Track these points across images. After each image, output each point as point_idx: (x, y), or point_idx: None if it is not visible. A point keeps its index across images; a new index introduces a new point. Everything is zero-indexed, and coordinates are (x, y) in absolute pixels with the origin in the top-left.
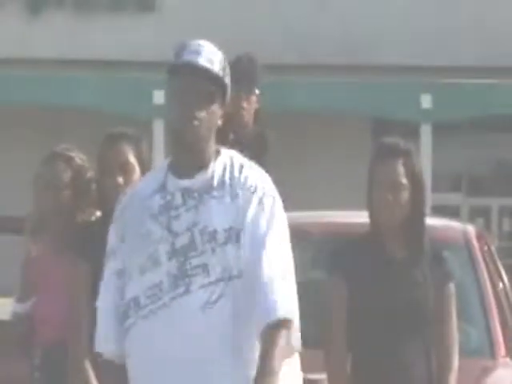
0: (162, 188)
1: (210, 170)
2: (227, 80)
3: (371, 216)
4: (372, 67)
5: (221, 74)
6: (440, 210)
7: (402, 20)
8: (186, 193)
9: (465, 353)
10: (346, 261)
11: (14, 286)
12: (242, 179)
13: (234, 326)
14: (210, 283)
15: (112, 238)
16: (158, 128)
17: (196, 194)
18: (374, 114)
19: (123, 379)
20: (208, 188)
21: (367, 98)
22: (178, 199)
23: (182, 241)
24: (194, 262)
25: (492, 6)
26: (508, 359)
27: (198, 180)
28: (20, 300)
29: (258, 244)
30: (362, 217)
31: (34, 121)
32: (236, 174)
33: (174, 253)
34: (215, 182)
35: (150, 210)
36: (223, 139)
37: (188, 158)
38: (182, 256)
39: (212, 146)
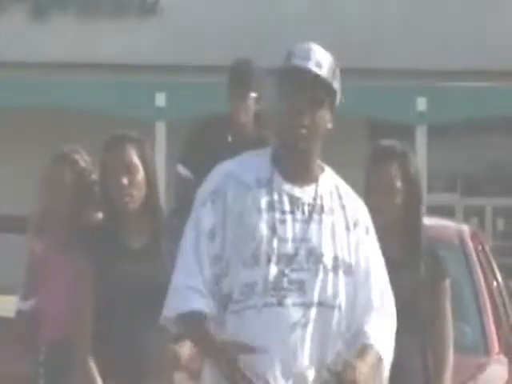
0: (268, 183)
1: (317, 187)
2: (336, 84)
3: None
4: (369, 71)
5: (330, 78)
6: (435, 210)
7: (399, 24)
8: (295, 201)
9: (460, 350)
10: None
11: (18, 283)
12: (352, 212)
13: (321, 351)
14: (303, 304)
15: (211, 218)
16: (160, 130)
17: (306, 209)
18: (371, 116)
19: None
20: (318, 208)
21: (364, 100)
22: (286, 204)
23: (286, 249)
24: (293, 275)
25: (487, 11)
26: (502, 356)
27: (306, 193)
28: (24, 297)
29: (370, 281)
30: None
31: (37, 123)
32: (345, 203)
33: (277, 259)
34: (325, 205)
35: (256, 203)
36: (222, 141)
37: (296, 164)
38: (283, 265)
39: (319, 153)
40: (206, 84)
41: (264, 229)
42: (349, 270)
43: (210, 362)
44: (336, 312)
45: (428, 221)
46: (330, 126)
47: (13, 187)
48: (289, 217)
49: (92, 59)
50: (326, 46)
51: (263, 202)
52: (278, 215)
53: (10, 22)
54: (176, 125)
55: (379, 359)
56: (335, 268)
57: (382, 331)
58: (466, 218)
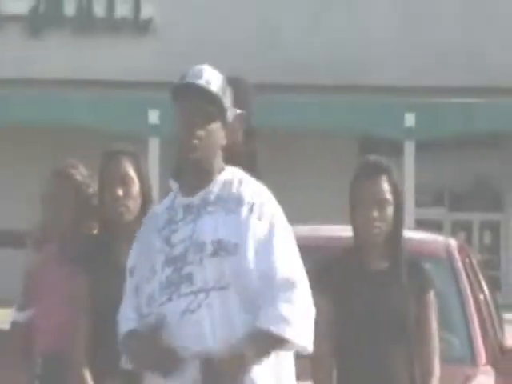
0: (170, 206)
1: (210, 187)
2: (226, 100)
3: (355, 232)
4: (359, 87)
5: (219, 93)
6: (423, 224)
7: (388, 42)
8: (187, 209)
9: (447, 361)
10: (330, 275)
11: (14, 295)
12: (238, 194)
13: (213, 337)
14: (191, 292)
15: (131, 256)
16: (154, 146)
17: (194, 210)
18: (361, 132)
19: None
20: (205, 203)
21: (354, 117)
22: (180, 214)
23: (176, 252)
24: (183, 271)
25: (477, 27)
26: (489, 367)
27: (199, 196)
28: (20, 309)
29: (264, 255)
30: (345, 231)
31: (33, 140)
32: (233, 189)
33: (167, 262)
34: (212, 198)
35: (156, 226)
36: None
37: (192, 177)
38: (173, 266)
39: (216, 164)
40: None
41: (158, 243)
42: (235, 250)
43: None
44: (227, 292)
45: (416, 235)
46: (223, 141)
47: (7, 204)
48: (181, 223)
49: (87, 76)
50: (317, 63)
51: (162, 221)
52: (173, 227)
53: (6, 40)
54: (169, 142)
55: (275, 342)
56: (217, 251)
57: (286, 309)
58: (454, 232)
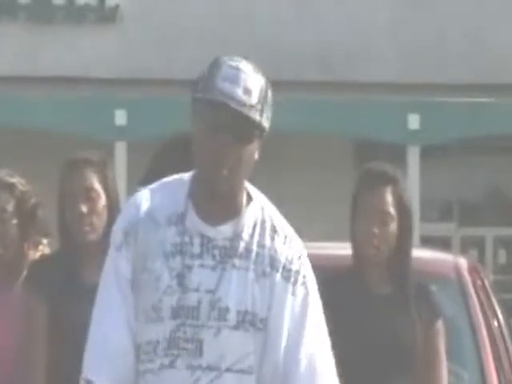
0: (180, 220)
1: (237, 224)
2: (267, 109)
3: (354, 249)
4: (353, 84)
5: (259, 107)
6: (429, 241)
7: (388, 33)
8: (206, 243)
9: None
10: (325, 297)
11: None
12: (273, 252)
13: None
14: (199, 367)
15: (124, 264)
16: (120, 151)
17: (217, 253)
18: (356, 135)
19: None
20: (232, 251)
21: (348, 117)
22: (196, 247)
23: (189, 301)
24: (193, 334)
25: (485, 21)
26: None
27: (223, 233)
28: None
29: (292, 342)
30: (343, 249)
31: None
32: (267, 241)
33: (177, 312)
34: (241, 247)
35: (162, 246)
36: (188, 166)
37: (214, 201)
38: (180, 320)
39: (244, 190)
40: (172, 100)
41: (167, 278)
42: (263, 326)
43: None
44: (245, 379)
45: (421, 253)
46: (257, 156)
47: None
48: (196, 262)
49: (44, 72)
50: (306, 57)
51: (171, 244)
52: (187, 261)
53: None
54: (138, 146)
55: None
56: (242, 324)
57: None
58: (464, 250)
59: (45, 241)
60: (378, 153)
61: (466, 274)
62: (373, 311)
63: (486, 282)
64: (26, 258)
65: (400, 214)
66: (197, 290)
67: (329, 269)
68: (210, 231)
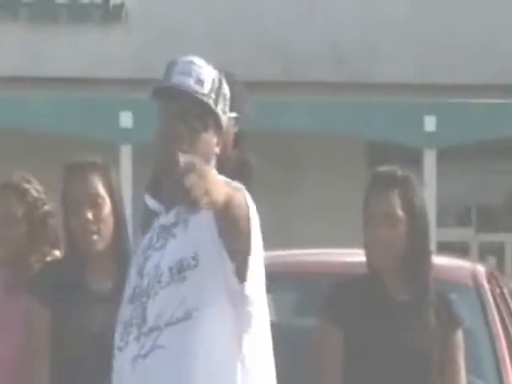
0: (153, 224)
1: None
2: (221, 102)
3: (367, 255)
4: (366, 84)
5: (212, 95)
6: (446, 247)
7: (403, 32)
8: (161, 231)
9: None
10: (340, 306)
11: None
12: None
13: (178, 378)
14: (142, 333)
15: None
16: (126, 154)
17: (165, 232)
18: (370, 137)
19: None
20: (174, 224)
21: (361, 119)
22: (155, 238)
23: (143, 285)
24: (139, 309)
25: (503, 21)
26: None
27: (171, 215)
28: None
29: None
30: (358, 255)
31: None
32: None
33: (132, 298)
34: (179, 217)
35: (138, 250)
36: None
37: (172, 192)
38: (137, 301)
39: None
40: None
41: (132, 273)
42: (195, 263)
43: None
44: (187, 325)
45: (437, 260)
46: (214, 151)
47: None
48: (151, 249)
49: (47, 73)
50: (318, 57)
51: (143, 243)
52: (146, 253)
53: None
54: (144, 149)
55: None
56: (177, 276)
57: None
58: (482, 257)
59: (57, 252)
60: (393, 156)
61: (484, 281)
62: (389, 319)
63: (505, 290)
64: (31, 267)
65: (411, 217)
66: (147, 273)
67: (343, 276)
68: (164, 219)
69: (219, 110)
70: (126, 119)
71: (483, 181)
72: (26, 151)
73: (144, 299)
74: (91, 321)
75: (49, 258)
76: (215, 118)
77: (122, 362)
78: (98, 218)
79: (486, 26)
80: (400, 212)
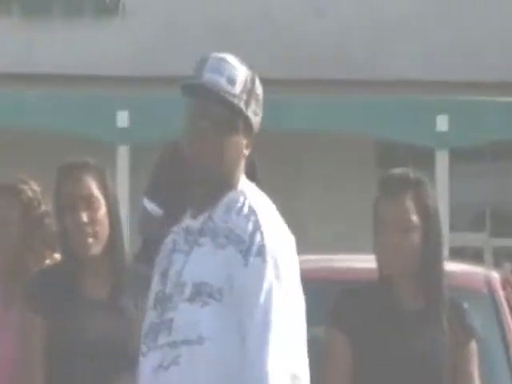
0: (179, 226)
1: (214, 209)
2: (253, 102)
3: (378, 262)
4: (376, 82)
5: (243, 96)
6: (459, 252)
7: (415, 29)
8: (187, 235)
9: None
10: (347, 312)
11: None
12: (232, 225)
13: None
14: (166, 344)
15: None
16: (123, 155)
17: (191, 238)
18: (380, 137)
19: None
20: (201, 232)
21: (371, 118)
22: (180, 242)
23: (168, 289)
24: (166, 315)
25: None
26: None
27: (199, 220)
28: None
29: (246, 311)
30: (368, 261)
31: None
32: (229, 217)
33: (156, 302)
34: (208, 226)
35: (161, 253)
36: None
37: (198, 194)
38: (160, 307)
39: (232, 181)
40: (178, 100)
41: (156, 277)
42: (219, 297)
43: None
44: (196, 349)
45: (450, 266)
46: (246, 152)
47: None
48: (176, 253)
49: (38, 69)
50: (325, 54)
51: (166, 249)
52: (171, 256)
53: None
54: (141, 149)
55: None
56: (198, 297)
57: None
58: (497, 262)
59: (57, 255)
60: (404, 157)
61: (498, 288)
62: (401, 328)
63: None
64: (27, 270)
65: (425, 222)
66: (171, 277)
67: (354, 283)
68: (189, 222)
69: (250, 111)
70: (122, 119)
71: (498, 183)
72: (18, 151)
73: (168, 306)
74: (86, 328)
75: (48, 261)
76: (245, 119)
77: (144, 367)
78: (93, 220)
79: (499, 23)
80: (414, 217)
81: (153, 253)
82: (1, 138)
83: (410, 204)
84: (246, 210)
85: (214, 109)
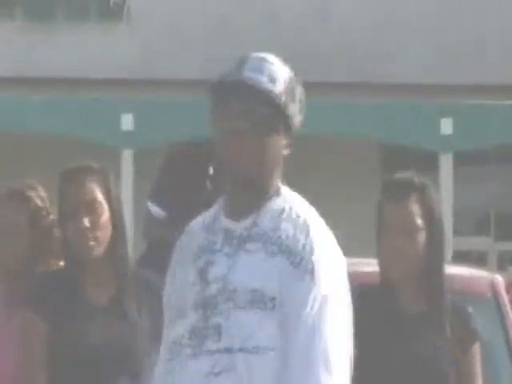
0: (210, 226)
1: (257, 215)
2: (295, 102)
3: (381, 265)
4: (380, 86)
5: (283, 97)
6: (463, 256)
7: (418, 32)
8: (227, 236)
9: None
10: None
11: None
12: (283, 235)
13: None
14: (218, 350)
15: (165, 291)
16: (127, 159)
17: (235, 241)
18: (384, 140)
19: None
20: (247, 238)
21: (375, 121)
22: (219, 242)
23: (210, 292)
24: (212, 320)
25: None
26: None
27: (243, 224)
28: None
29: (297, 326)
30: (370, 265)
31: None
32: (279, 226)
33: (197, 304)
34: (254, 232)
35: (190, 250)
36: (201, 173)
37: (238, 197)
38: (202, 310)
39: (271, 184)
40: (183, 103)
41: (192, 276)
42: (272, 306)
43: None
44: (257, 357)
45: (454, 270)
46: (285, 152)
47: None
48: (218, 255)
49: (42, 73)
50: (330, 57)
51: (198, 246)
52: (210, 257)
53: None
54: (145, 153)
55: None
56: (251, 304)
57: None
58: (501, 266)
59: (62, 263)
60: (408, 160)
61: (503, 292)
62: (403, 331)
63: None
64: (34, 279)
65: (429, 225)
66: (215, 280)
67: (357, 287)
68: (231, 224)
69: (291, 111)
70: (126, 122)
71: (502, 186)
72: (21, 155)
73: (214, 312)
74: (89, 332)
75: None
76: (286, 119)
77: (193, 371)
78: (95, 225)
79: (503, 26)
80: (418, 220)
81: (157, 256)
82: (4, 141)
83: (414, 208)
84: (296, 219)
85: (253, 108)
